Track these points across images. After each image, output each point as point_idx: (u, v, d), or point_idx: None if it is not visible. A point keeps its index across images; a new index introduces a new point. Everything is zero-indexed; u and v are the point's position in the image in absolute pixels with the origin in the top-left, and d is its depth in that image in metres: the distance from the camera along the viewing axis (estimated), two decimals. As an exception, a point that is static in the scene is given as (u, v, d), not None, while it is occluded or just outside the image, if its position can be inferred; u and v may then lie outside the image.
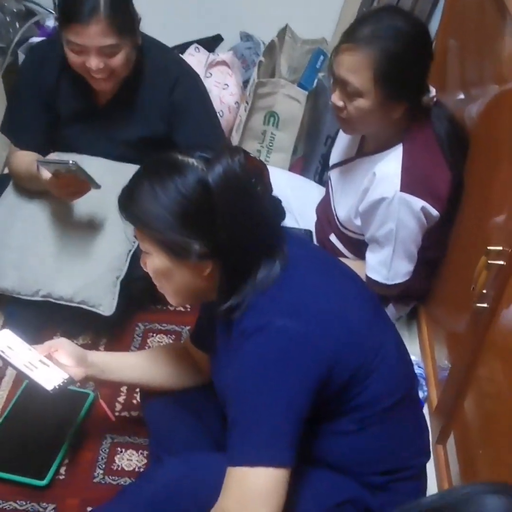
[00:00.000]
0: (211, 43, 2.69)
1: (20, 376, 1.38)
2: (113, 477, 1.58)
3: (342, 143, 1.86)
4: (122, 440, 1.65)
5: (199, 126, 1.86)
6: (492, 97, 1.56)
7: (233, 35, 2.73)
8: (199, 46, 2.56)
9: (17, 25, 2.44)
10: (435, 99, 1.68)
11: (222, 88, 2.43)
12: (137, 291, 1.85)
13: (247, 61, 2.68)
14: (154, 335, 1.93)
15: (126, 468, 1.60)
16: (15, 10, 2.45)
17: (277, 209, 1.17)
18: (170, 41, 2.34)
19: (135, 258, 1.72)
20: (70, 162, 1.57)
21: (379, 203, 1.61)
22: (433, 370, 1.78)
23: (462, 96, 1.82)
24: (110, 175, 1.76)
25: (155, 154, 1.18)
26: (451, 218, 1.71)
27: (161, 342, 1.91)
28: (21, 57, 2.35)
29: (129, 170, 1.22)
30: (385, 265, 1.69)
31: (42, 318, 1.84)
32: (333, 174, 1.88)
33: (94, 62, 1.67)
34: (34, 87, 1.84)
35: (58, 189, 1.68)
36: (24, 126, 1.88)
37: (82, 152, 1.88)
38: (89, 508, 1.49)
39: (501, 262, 1.25)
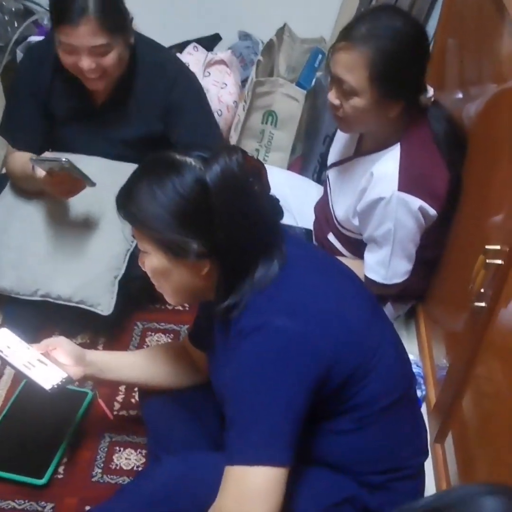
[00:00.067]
0: (209, 42, 2.69)
1: (19, 376, 1.38)
2: (112, 476, 1.58)
3: (340, 142, 1.86)
4: (120, 439, 1.65)
5: (196, 125, 1.86)
6: (490, 96, 1.56)
7: (232, 34, 2.73)
8: (197, 45, 2.56)
9: (16, 23, 2.44)
10: (432, 99, 1.68)
11: (221, 87, 2.43)
12: (135, 291, 1.85)
13: (246, 60, 2.67)
14: (153, 334, 1.93)
15: (124, 467, 1.60)
16: (13, 9, 2.45)
17: (275, 208, 1.17)
18: (168, 40, 2.35)
19: (134, 257, 1.72)
20: (63, 159, 1.57)
21: (377, 202, 1.61)
22: (431, 369, 1.78)
23: (460, 95, 1.82)
24: (108, 175, 1.76)
25: (153, 153, 1.18)
26: (449, 217, 1.71)
27: (160, 341, 1.91)
28: (20, 56, 2.35)
29: (127, 169, 1.22)
30: (384, 265, 1.69)
31: (41, 317, 1.84)
32: (331, 174, 1.88)
33: (86, 63, 1.67)
34: (31, 87, 1.84)
35: (53, 187, 1.68)
36: (21, 126, 1.88)
37: (80, 152, 1.88)
38: (87, 507, 1.49)
39: (499, 261, 1.25)
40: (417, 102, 1.64)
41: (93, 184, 1.66)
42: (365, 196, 1.65)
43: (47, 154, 1.66)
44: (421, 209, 1.61)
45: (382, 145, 1.66)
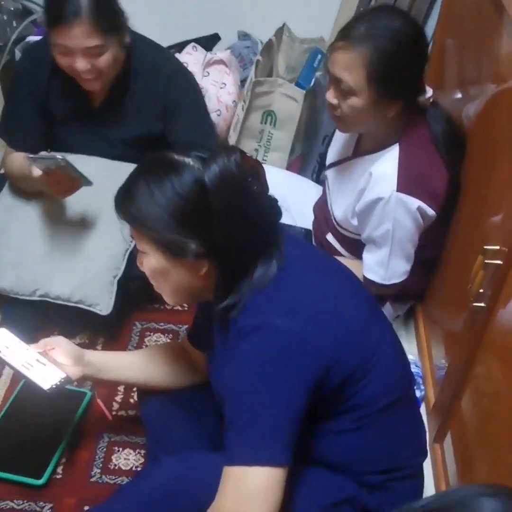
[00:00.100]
0: (208, 42, 2.68)
1: (17, 376, 1.38)
2: (110, 477, 1.58)
3: (338, 142, 1.86)
4: (119, 439, 1.65)
5: (193, 124, 1.86)
6: (489, 96, 1.55)
7: (231, 34, 2.73)
8: (196, 45, 2.55)
9: (14, 23, 2.44)
10: (431, 100, 1.67)
11: (220, 87, 2.43)
12: (134, 290, 1.85)
13: (245, 60, 2.67)
14: (152, 334, 1.93)
15: (123, 467, 1.59)
16: (12, 8, 2.44)
17: (273, 209, 1.17)
18: (167, 40, 2.34)
19: (133, 257, 1.71)
20: (59, 157, 1.57)
21: (375, 203, 1.61)
22: (430, 369, 1.78)
23: (459, 95, 1.82)
24: (107, 174, 1.76)
25: (151, 153, 1.17)
26: (448, 218, 1.71)
27: (159, 341, 1.91)
28: (18, 55, 2.34)
29: (125, 169, 1.22)
30: (382, 265, 1.69)
31: (40, 317, 1.84)
32: (329, 174, 1.88)
33: (80, 64, 1.67)
34: (29, 87, 1.84)
35: (49, 186, 1.68)
36: (19, 127, 1.88)
37: (79, 152, 1.88)
38: (86, 507, 1.49)
39: (498, 262, 1.25)
40: (415, 102, 1.64)
41: (90, 183, 1.66)
42: (363, 196, 1.65)
43: (44, 153, 1.66)
44: (419, 209, 1.61)
45: (381, 145, 1.66)
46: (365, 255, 1.73)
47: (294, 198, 2.01)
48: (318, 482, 1.20)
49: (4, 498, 1.50)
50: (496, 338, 1.30)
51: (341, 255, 1.85)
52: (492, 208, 1.42)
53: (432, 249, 1.78)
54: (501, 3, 1.45)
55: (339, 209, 1.79)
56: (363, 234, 1.71)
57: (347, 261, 1.76)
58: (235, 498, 1.06)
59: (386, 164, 1.61)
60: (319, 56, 2.48)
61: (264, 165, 1.25)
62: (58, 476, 1.56)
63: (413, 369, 1.67)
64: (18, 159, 1.80)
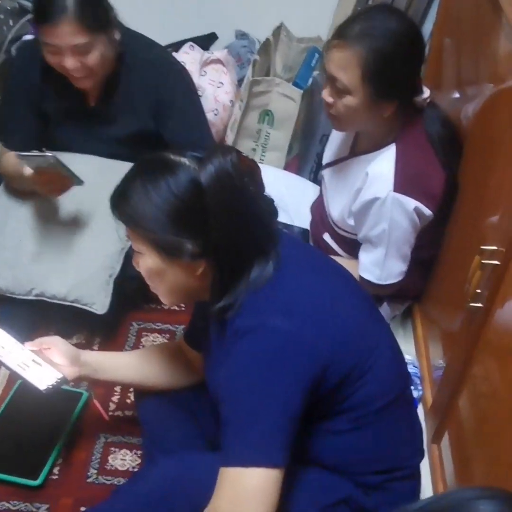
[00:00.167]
0: (206, 41, 2.68)
1: (13, 376, 1.37)
2: (107, 477, 1.57)
3: (335, 142, 1.86)
4: (116, 439, 1.64)
5: (185, 120, 1.85)
6: (487, 96, 1.55)
7: (228, 33, 2.73)
8: (193, 44, 2.55)
9: (11, 22, 2.43)
10: (428, 100, 1.67)
11: (217, 86, 2.43)
12: (131, 290, 1.84)
13: (242, 59, 2.67)
14: (148, 334, 1.93)
15: (120, 468, 1.59)
16: (8, 7, 2.44)
17: (270, 209, 1.17)
18: (165, 39, 2.34)
19: (129, 257, 1.71)
20: (48, 155, 1.57)
21: (372, 203, 1.61)
22: (428, 369, 1.78)
23: (457, 95, 1.82)
24: (102, 174, 1.76)
25: (147, 153, 1.17)
26: (445, 218, 1.71)
27: (155, 341, 1.91)
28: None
29: (121, 168, 1.22)
30: (378, 265, 1.68)
31: (36, 317, 1.83)
32: (326, 174, 1.88)
33: (69, 62, 1.67)
34: (23, 87, 1.84)
35: (40, 185, 1.68)
36: (14, 126, 1.87)
37: (75, 151, 1.88)
38: (82, 508, 1.49)
39: (495, 262, 1.25)
40: (412, 103, 1.64)
41: (81, 182, 1.65)
42: (360, 196, 1.65)
43: (35, 152, 1.66)
44: (416, 209, 1.60)
45: (377, 145, 1.66)
46: (361, 254, 1.73)
47: (291, 197, 2.01)
48: (315, 483, 1.20)
49: (0, 499, 1.50)
50: (494, 338, 1.30)
51: (338, 255, 1.85)
52: (490, 208, 1.42)
53: (429, 249, 1.78)
54: (498, 3, 1.45)
55: (336, 208, 1.79)
56: (360, 234, 1.71)
57: (343, 261, 1.75)
58: (232, 499, 1.06)
59: (383, 164, 1.61)
60: (317, 56, 2.48)
61: (261, 165, 1.25)
62: (55, 477, 1.55)
63: (411, 369, 1.67)
64: (12, 159, 1.80)
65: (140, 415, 1.51)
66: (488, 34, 1.57)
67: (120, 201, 1.14)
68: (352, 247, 1.80)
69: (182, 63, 2.04)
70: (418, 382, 1.74)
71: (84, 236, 1.81)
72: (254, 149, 2.40)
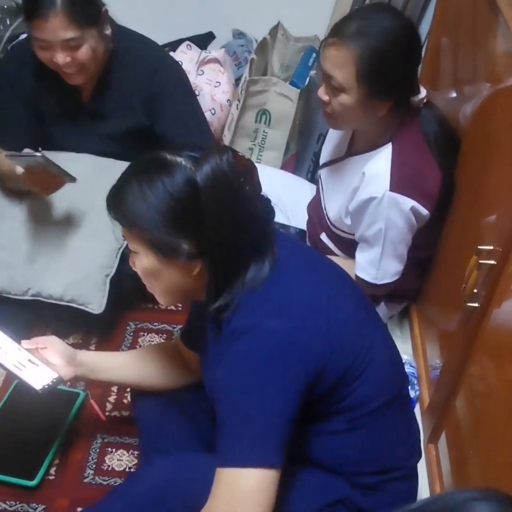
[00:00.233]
0: (203, 41, 2.68)
1: (10, 376, 1.37)
2: (104, 477, 1.57)
3: (332, 142, 1.86)
4: (112, 440, 1.64)
5: (178, 115, 1.85)
6: (484, 96, 1.55)
7: (226, 32, 2.72)
8: (191, 44, 2.55)
9: (8, 21, 2.43)
10: (425, 100, 1.67)
11: (214, 86, 2.42)
12: (127, 290, 1.84)
13: (239, 58, 2.67)
14: (145, 334, 1.92)
15: (116, 468, 1.59)
16: (5, 6, 2.43)
17: (266, 209, 1.16)
18: (162, 38, 2.33)
19: (126, 256, 1.71)
20: (38, 154, 1.56)
21: (368, 202, 1.61)
22: (425, 369, 1.78)
23: (454, 95, 1.82)
24: (98, 173, 1.76)
25: (143, 152, 1.17)
26: (442, 218, 1.71)
27: (152, 341, 1.90)
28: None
29: (117, 167, 1.22)
30: (374, 264, 1.68)
31: (32, 317, 1.83)
32: (323, 173, 1.88)
33: (60, 57, 1.67)
34: (15, 88, 1.84)
35: (32, 184, 1.67)
36: (8, 127, 1.87)
37: (71, 150, 1.88)
38: (79, 509, 1.49)
39: (492, 262, 1.25)
40: (408, 102, 1.64)
41: (73, 179, 1.65)
42: (357, 195, 1.64)
43: (26, 151, 1.66)
44: (413, 209, 1.60)
45: (373, 145, 1.66)
46: (358, 254, 1.73)
47: (288, 197, 2.01)
48: (312, 483, 1.20)
49: (-3, 499, 1.50)
50: (490, 338, 1.29)
51: (335, 254, 1.85)
52: (487, 208, 1.42)
53: (426, 249, 1.78)
54: (495, 3, 1.45)
55: (333, 208, 1.79)
56: (356, 234, 1.71)
57: (340, 260, 1.75)
58: (228, 500, 1.06)
59: (379, 164, 1.61)
60: (314, 55, 2.48)
61: (258, 165, 1.25)
62: (51, 477, 1.55)
63: (408, 369, 1.67)
64: (5, 159, 1.80)
65: (137, 415, 1.50)
66: (485, 33, 1.57)
67: (116, 201, 1.13)
68: (349, 246, 1.80)
69: (179, 62, 2.04)
70: (415, 382, 1.74)
71: (80, 235, 1.81)
72: (251, 149, 2.40)
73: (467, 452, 1.36)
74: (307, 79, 2.34)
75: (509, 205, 1.24)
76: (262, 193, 1.15)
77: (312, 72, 2.34)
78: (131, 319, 1.96)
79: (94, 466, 1.59)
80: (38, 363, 1.33)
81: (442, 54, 2.01)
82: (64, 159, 1.62)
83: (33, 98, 1.85)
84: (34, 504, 1.49)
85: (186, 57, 2.46)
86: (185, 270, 1.13)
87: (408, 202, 1.59)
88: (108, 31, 1.75)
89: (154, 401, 1.46)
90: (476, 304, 1.31)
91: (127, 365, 1.44)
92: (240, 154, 1.13)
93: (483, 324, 1.31)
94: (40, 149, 1.60)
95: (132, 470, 1.58)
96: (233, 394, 1.09)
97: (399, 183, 1.58)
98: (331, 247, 1.86)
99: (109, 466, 1.59)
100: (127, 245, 1.70)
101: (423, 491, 1.48)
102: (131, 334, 1.92)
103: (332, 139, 1.86)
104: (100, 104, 1.86)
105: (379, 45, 1.50)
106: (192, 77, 2.39)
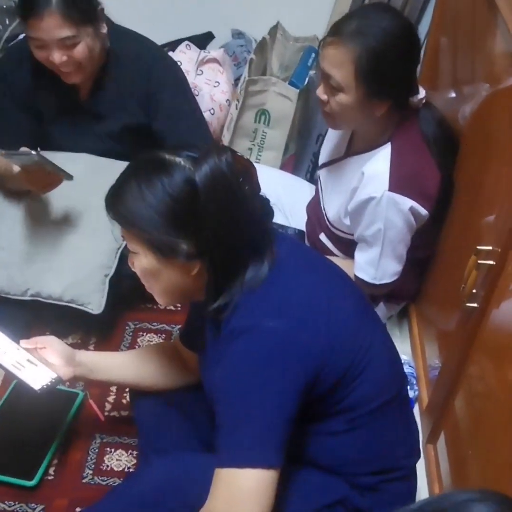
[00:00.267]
0: (202, 41, 2.68)
1: (8, 376, 1.37)
2: (102, 478, 1.57)
3: (331, 142, 1.86)
4: (111, 440, 1.64)
5: (175, 113, 1.85)
6: (483, 96, 1.55)
7: (225, 32, 2.72)
8: (190, 44, 2.55)
9: (7, 21, 2.42)
10: (424, 101, 1.67)
11: (213, 85, 2.42)
12: (126, 290, 1.84)
13: (239, 58, 2.67)
14: (144, 334, 1.92)
15: (115, 468, 1.59)
16: (4, 6, 2.43)
17: (265, 209, 1.16)
18: (161, 38, 2.34)
19: (124, 256, 1.71)
20: (33, 152, 1.56)
21: (367, 202, 1.61)
22: (424, 369, 1.78)
23: (453, 95, 1.82)
24: (97, 173, 1.76)
25: (142, 151, 1.17)
26: (441, 218, 1.71)
27: (151, 341, 1.90)
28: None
29: (116, 166, 1.22)
30: (373, 264, 1.68)
31: (31, 317, 1.83)
32: (322, 174, 1.88)
33: (56, 56, 1.67)
34: (13, 87, 1.84)
35: (29, 182, 1.67)
36: (6, 128, 1.87)
37: (69, 149, 1.88)
38: (78, 509, 1.49)
39: (491, 262, 1.25)
40: (406, 103, 1.64)
41: (70, 177, 1.65)
42: (356, 195, 1.64)
43: (23, 149, 1.67)
44: (412, 209, 1.60)
45: (372, 145, 1.66)
46: (357, 254, 1.73)
47: (287, 197, 2.00)
48: (310, 484, 1.20)
49: (-5, 499, 1.50)
50: (489, 339, 1.30)
51: (334, 255, 1.85)
52: (485, 209, 1.42)
53: (425, 249, 1.78)
54: (494, 3, 1.45)
55: (332, 208, 1.79)
56: (355, 234, 1.71)
57: (339, 260, 1.75)
58: (227, 500, 1.06)
59: (378, 164, 1.61)
60: (313, 55, 2.48)
61: (257, 165, 1.25)
62: (50, 477, 1.55)
63: (407, 369, 1.67)
64: (2, 159, 1.80)
65: (136, 415, 1.50)
66: (484, 34, 1.57)
67: (115, 201, 1.13)
68: (348, 247, 1.80)
69: (177, 62, 2.04)
70: (414, 382, 1.74)
71: (79, 236, 1.81)
72: (250, 149, 2.39)
73: (466, 452, 1.36)
74: (306, 79, 2.34)
75: (508, 205, 1.24)
76: (261, 193, 1.15)
77: (311, 72, 2.34)
78: (130, 319, 1.96)
79: (93, 466, 1.59)
80: (37, 363, 1.33)
81: (441, 55, 2.01)
82: (63, 159, 1.62)
83: (30, 98, 1.85)
84: (33, 504, 1.49)
85: (185, 57, 2.46)
86: (184, 270, 1.13)
87: (407, 202, 1.59)
88: (104, 30, 1.76)
89: (153, 401, 1.46)
90: (475, 305, 1.31)
91: (126, 365, 1.44)
92: (239, 154, 1.13)
93: (482, 324, 1.31)
94: (38, 149, 1.60)
95: (131, 470, 1.58)
96: (232, 394, 1.09)
97: (398, 183, 1.58)
98: (330, 247, 1.86)
99: (108, 466, 1.59)
100: (126, 245, 1.70)
101: (422, 492, 1.48)
102: (130, 334, 1.92)
103: (331, 139, 1.86)
104: (97, 102, 1.86)
105: (378, 45, 1.50)
106: (191, 77, 2.39)
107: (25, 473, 1.51)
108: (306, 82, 2.33)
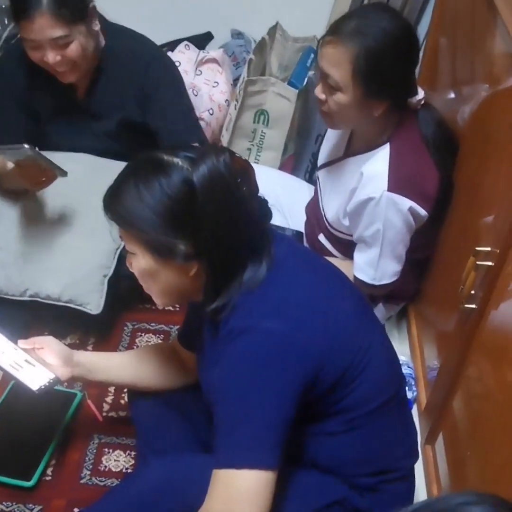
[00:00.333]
0: (201, 41, 2.68)
1: (6, 376, 1.37)
2: (100, 478, 1.57)
3: (330, 142, 1.86)
4: (109, 440, 1.64)
5: (172, 110, 1.85)
6: (482, 97, 1.55)
7: (224, 32, 2.72)
8: (189, 44, 2.54)
9: (6, 21, 2.42)
10: (423, 101, 1.67)
11: (212, 86, 2.42)
12: (125, 290, 1.84)
13: (238, 58, 2.67)
14: (143, 334, 1.92)
15: (113, 469, 1.59)
16: (3, 6, 2.43)
17: (263, 210, 1.16)
18: (160, 38, 2.33)
19: (123, 256, 1.71)
20: (26, 147, 1.55)
21: (366, 203, 1.60)
22: (422, 370, 1.77)
23: (452, 96, 1.82)
24: (95, 173, 1.76)
25: (140, 150, 1.17)
26: (440, 219, 1.71)
27: (150, 341, 1.90)
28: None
29: (114, 166, 1.22)
30: (372, 265, 1.68)
31: (30, 317, 1.83)
32: (321, 174, 1.88)
33: (50, 56, 1.68)
34: (10, 88, 1.84)
35: (23, 178, 1.67)
36: (2, 127, 1.87)
37: (67, 149, 1.87)
38: (76, 509, 1.48)
39: (490, 263, 1.25)
40: (405, 103, 1.63)
41: (64, 173, 1.64)
42: (355, 196, 1.64)
43: (17, 145, 1.67)
44: (411, 209, 1.60)
45: (371, 145, 1.66)
46: (356, 254, 1.73)
47: (286, 198, 2.00)
48: (309, 484, 1.20)
49: (-7, 500, 1.50)
50: (488, 340, 1.29)
51: (333, 255, 1.85)
52: (484, 209, 1.42)
53: (424, 250, 1.78)
54: (493, 3, 1.44)
55: (331, 209, 1.79)
56: (354, 234, 1.71)
57: (338, 261, 1.75)
58: (225, 501, 1.06)
59: (377, 164, 1.61)
60: (312, 55, 2.47)
61: (255, 165, 1.25)
62: (48, 478, 1.55)
63: (405, 370, 1.67)
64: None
65: (134, 416, 1.50)
66: (483, 34, 1.57)
67: (113, 202, 1.13)
68: (347, 248, 1.80)
69: (177, 62, 2.04)
70: (413, 383, 1.74)
71: (77, 236, 1.81)
72: (249, 149, 2.39)
73: (464, 453, 1.36)
74: (305, 80, 2.34)
75: (507, 206, 1.24)
76: (259, 194, 1.15)
77: (311, 73, 2.34)
78: (128, 320, 1.95)
79: (91, 466, 1.59)
80: (35, 364, 1.32)
81: (440, 55, 2.01)
82: (61, 159, 1.61)
83: (27, 98, 1.85)
84: (30, 505, 1.49)
85: (184, 57, 2.46)
86: (182, 271, 1.13)
87: (406, 203, 1.59)
88: (97, 27, 1.76)
89: (151, 402, 1.46)
90: (473, 306, 1.31)
91: (124, 366, 1.44)
92: (237, 154, 1.13)
93: (481, 325, 1.31)
94: (36, 148, 1.60)
95: (129, 470, 1.58)
96: (230, 394, 1.08)
97: (397, 184, 1.58)
98: (329, 248, 1.86)
99: (106, 466, 1.59)
100: (124, 246, 1.70)
101: (420, 492, 1.48)
102: (129, 334, 1.92)
103: (330, 139, 1.85)
104: (94, 101, 1.86)
105: (376, 45, 1.50)
106: (190, 77, 2.39)
107: (23, 473, 1.51)
108: (305, 83, 2.33)
